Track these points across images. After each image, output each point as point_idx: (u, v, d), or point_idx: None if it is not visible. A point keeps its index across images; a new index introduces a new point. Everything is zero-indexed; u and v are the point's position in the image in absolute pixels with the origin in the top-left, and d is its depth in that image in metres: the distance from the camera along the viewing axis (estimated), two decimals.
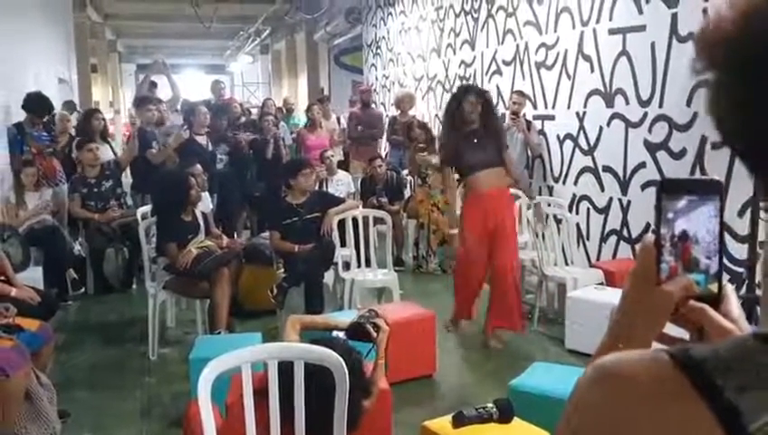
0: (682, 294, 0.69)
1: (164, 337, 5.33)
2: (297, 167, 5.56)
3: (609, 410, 0.59)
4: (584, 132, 6.21)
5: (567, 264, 5.71)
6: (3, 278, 4.44)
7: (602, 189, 5.97)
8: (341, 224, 5.51)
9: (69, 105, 9.92)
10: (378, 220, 5.91)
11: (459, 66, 8.97)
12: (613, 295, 4.48)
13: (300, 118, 11.53)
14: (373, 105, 10.50)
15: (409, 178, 7.98)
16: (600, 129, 5.96)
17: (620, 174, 5.72)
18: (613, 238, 5.85)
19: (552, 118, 6.75)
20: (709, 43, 0.62)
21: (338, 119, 10.68)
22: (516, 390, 3.32)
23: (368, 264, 5.65)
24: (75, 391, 4.38)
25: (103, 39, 19.69)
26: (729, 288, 0.71)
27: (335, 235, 5.42)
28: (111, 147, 7.62)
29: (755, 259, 4.11)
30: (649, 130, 5.34)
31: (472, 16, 8.52)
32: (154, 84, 10.45)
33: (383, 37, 12.00)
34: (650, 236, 0.70)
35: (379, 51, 12.30)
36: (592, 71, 6.04)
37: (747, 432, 0.54)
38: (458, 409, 2.75)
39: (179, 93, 8.69)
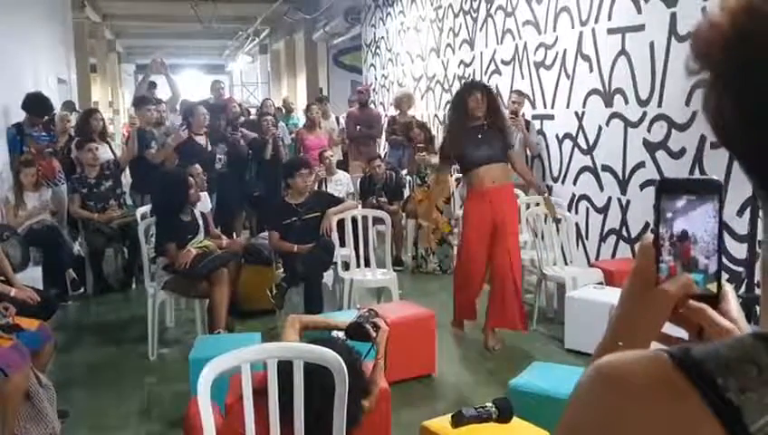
0: (681, 293, 0.69)
1: (163, 337, 5.33)
2: (295, 167, 5.56)
3: (609, 409, 0.59)
4: (583, 132, 6.21)
5: (566, 263, 5.71)
6: (2, 278, 4.44)
7: (601, 189, 5.97)
8: (341, 224, 5.51)
9: (68, 105, 9.91)
10: (377, 220, 5.91)
11: (458, 66, 8.97)
12: (612, 295, 4.49)
13: (299, 118, 11.53)
14: (372, 105, 10.50)
15: (408, 177, 7.98)
16: (600, 128, 5.96)
17: (619, 173, 5.72)
18: (612, 238, 5.85)
19: (551, 117, 6.76)
20: (705, 42, 0.62)
21: (337, 119, 10.68)
22: (515, 389, 3.32)
23: (367, 264, 5.64)
24: (75, 391, 4.38)
25: (102, 39, 19.68)
26: (728, 288, 0.71)
27: (334, 235, 5.42)
28: (111, 147, 7.62)
29: (754, 258, 4.12)
30: (648, 130, 5.35)
31: (471, 16, 8.52)
32: (153, 84, 10.45)
33: (382, 37, 12.00)
34: (649, 236, 0.70)
35: (378, 51, 12.31)
36: (591, 70, 6.04)
37: (748, 432, 0.54)
38: (457, 408, 2.75)
39: (179, 93, 8.69)
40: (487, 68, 8.08)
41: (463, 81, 8.70)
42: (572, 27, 6.32)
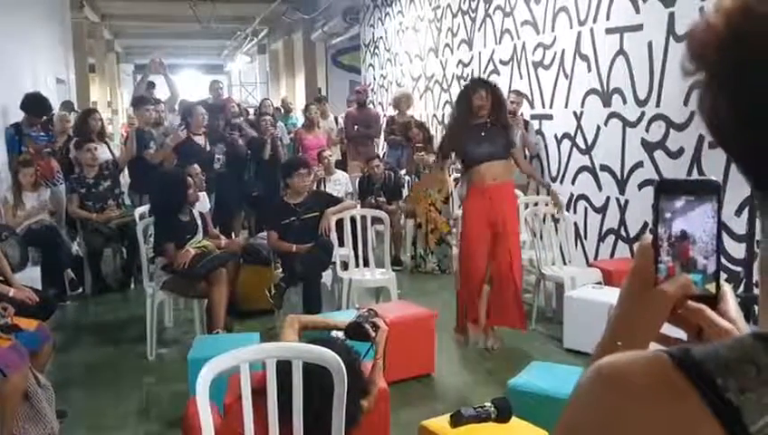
0: (680, 293, 0.69)
1: (162, 337, 5.32)
2: (293, 166, 5.56)
3: (608, 409, 0.59)
4: (582, 132, 6.22)
5: (565, 263, 5.71)
6: (1, 278, 4.44)
7: (600, 189, 5.98)
8: (339, 223, 5.51)
9: (67, 105, 9.90)
10: (376, 220, 5.91)
11: (457, 66, 8.98)
12: (611, 295, 4.49)
13: (298, 118, 11.53)
14: (371, 105, 10.50)
15: (407, 177, 7.98)
16: (598, 128, 5.97)
17: (618, 173, 5.72)
18: (611, 238, 5.86)
19: (549, 117, 6.76)
20: (700, 43, 0.62)
21: (336, 119, 10.68)
22: (514, 389, 3.32)
23: (366, 263, 5.64)
24: (73, 391, 4.38)
25: (101, 39, 19.66)
26: (727, 288, 0.71)
27: (333, 234, 5.42)
28: (109, 147, 7.61)
29: (753, 258, 4.12)
30: (647, 130, 5.35)
31: (469, 16, 8.53)
32: (152, 84, 10.44)
33: (381, 37, 12.00)
34: (648, 237, 0.70)
35: (376, 51, 12.31)
36: (590, 70, 6.05)
37: (748, 433, 0.54)
38: (456, 408, 2.75)
39: (177, 93, 8.69)
40: (486, 68, 8.08)
41: (464, 79, 8.71)
42: (571, 27, 6.32)
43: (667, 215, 0.68)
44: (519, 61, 7.32)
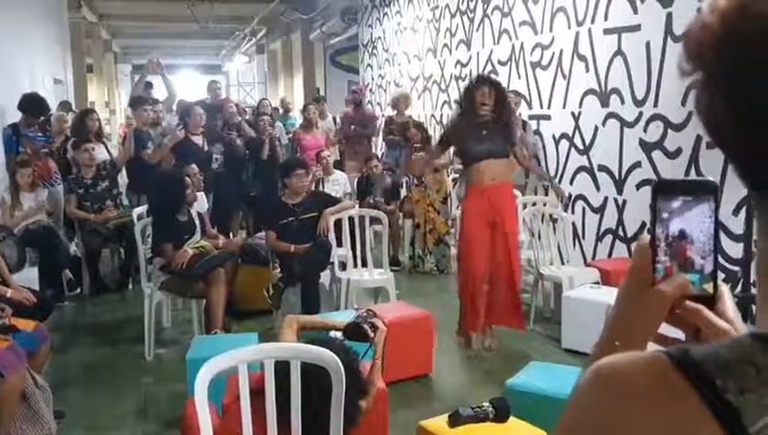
0: (677, 294, 0.69)
1: (160, 337, 5.32)
2: (291, 167, 5.57)
3: (607, 410, 0.59)
4: (579, 132, 6.22)
5: (563, 263, 5.71)
6: None
7: (598, 189, 5.98)
8: (338, 224, 5.51)
9: (64, 105, 9.90)
10: (374, 220, 5.91)
11: (455, 66, 8.98)
12: (609, 294, 4.49)
13: (297, 118, 11.53)
14: (369, 105, 10.50)
15: (405, 178, 7.98)
16: (596, 128, 5.97)
17: (616, 173, 5.73)
18: (609, 237, 5.86)
19: (547, 118, 6.77)
20: (696, 43, 0.62)
21: (334, 119, 10.68)
22: (513, 389, 3.32)
23: (364, 264, 5.64)
24: (71, 392, 4.37)
25: (99, 39, 19.64)
26: (724, 288, 0.71)
27: (331, 235, 5.42)
28: (107, 147, 7.61)
29: (750, 258, 4.13)
30: (644, 130, 5.36)
31: (468, 16, 8.53)
32: (150, 85, 10.43)
33: (379, 37, 12.00)
34: (646, 237, 0.70)
35: (374, 51, 12.31)
36: (588, 70, 6.05)
37: (748, 433, 0.54)
38: (454, 408, 2.75)
39: (175, 93, 8.68)
40: (484, 68, 8.08)
41: (462, 80, 8.71)
42: (569, 27, 6.32)
43: (665, 215, 0.69)
44: (517, 61, 7.32)
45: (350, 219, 5.62)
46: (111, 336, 5.50)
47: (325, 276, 5.42)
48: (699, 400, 0.56)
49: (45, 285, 5.74)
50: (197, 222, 5.31)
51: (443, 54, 9.37)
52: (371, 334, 3.08)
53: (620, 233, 5.71)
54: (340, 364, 2.38)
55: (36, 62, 10.08)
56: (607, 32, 5.77)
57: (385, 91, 11.72)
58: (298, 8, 15.78)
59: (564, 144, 6.46)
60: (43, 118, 7.31)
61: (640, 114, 5.39)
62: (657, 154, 5.24)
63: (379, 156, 8.55)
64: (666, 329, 0.72)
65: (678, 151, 5.00)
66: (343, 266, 5.65)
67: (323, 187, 7.25)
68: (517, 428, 2.83)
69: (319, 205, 5.48)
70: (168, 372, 4.68)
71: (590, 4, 5.99)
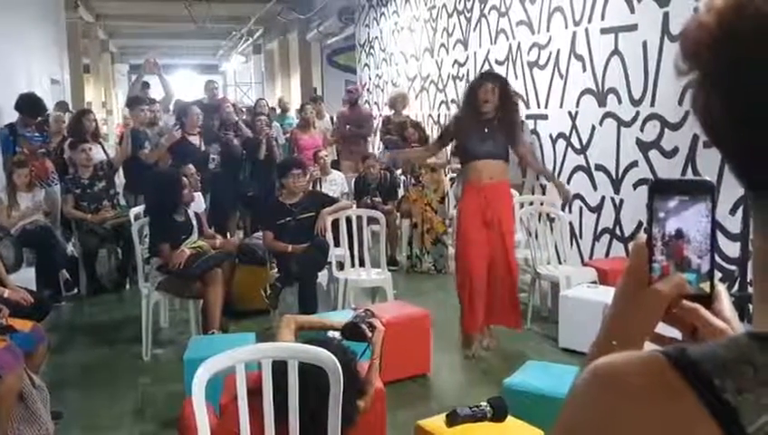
0: (674, 293, 0.69)
1: (157, 338, 5.31)
2: (288, 167, 5.57)
3: (605, 410, 0.59)
4: (577, 131, 6.23)
5: (560, 262, 5.72)
6: None
7: (595, 188, 5.99)
8: (335, 224, 5.51)
9: (61, 106, 9.89)
10: (371, 220, 5.91)
11: (452, 66, 8.98)
12: (606, 294, 4.50)
13: (294, 118, 11.53)
14: (367, 105, 10.50)
15: (403, 177, 7.98)
16: (593, 128, 5.98)
17: (613, 173, 5.74)
18: (606, 237, 5.87)
19: (544, 117, 6.77)
20: (693, 42, 0.62)
21: (331, 118, 10.69)
22: (510, 388, 3.33)
23: (361, 263, 5.64)
24: (68, 392, 4.37)
25: (96, 39, 19.62)
26: (721, 288, 0.72)
27: (329, 235, 5.42)
28: (103, 147, 7.60)
29: (747, 257, 4.13)
30: (641, 129, 5.36)
31: (465, 16, 8.53)
32: (147, 85, 10.42)
33: (376, 37, 12.00)
34: (642, 236, 0.70)
35: (372, 51, 12.31)
36: (585, 70, 6.06)
37: (746, 433, 0.54)
38: (452, 408, 2.75)
39: (172, 93, 8.68)
40: (481, 68, 8.08)
41: (460, 79, 8.72)
42: (566, 27, 6.33)
43: (661, 214, 0.69)
44: (514, 61, 7.33)
45: (348, 219, 5.62)
46: (109, 336, 5.49)
47: (323, 276, 5.42)
48: (697, 399, 0.56)
49: (42, 286, 5.73)
50: (194, 222, 5.30)
51: (440, 54, 9.38)
52: (369, 334, 3.08)
53: (617, 232, 5.71)
54: (338, 364, 2.38)
55: (33, 63, 10.07)
56: (604, 31, 5.77)
57: (382, 90, 11.72)
58: (295, 8, 15.77)
59: (561, 144, 6.47)
60: (40, 118, 7.30)
61: (637, 114, 5.40)
62: (653, 153, 5.24)
63: (377, 155, 8.54)
64: (663, 328, 0.73)
65: (675, 151, 5.00)
66: (341, 266, 5.65)
67: (321, 187, 7.25)
68: (515, 427, 2.84)
69: (316, 205, 5.48)
70: (166, 372, 4.68)
71: (586, 4, 6.00)
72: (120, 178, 7.45)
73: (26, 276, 5.47)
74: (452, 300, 5.22)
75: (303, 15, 15.45)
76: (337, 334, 3.14)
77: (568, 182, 6.32)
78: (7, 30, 8.58)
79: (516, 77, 7.27)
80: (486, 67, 7.95)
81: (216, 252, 5.13)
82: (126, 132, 7.53)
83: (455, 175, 7.43)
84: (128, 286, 6.69)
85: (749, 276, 4.13)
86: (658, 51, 5.13)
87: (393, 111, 9.14)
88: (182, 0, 14.77)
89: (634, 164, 5.47)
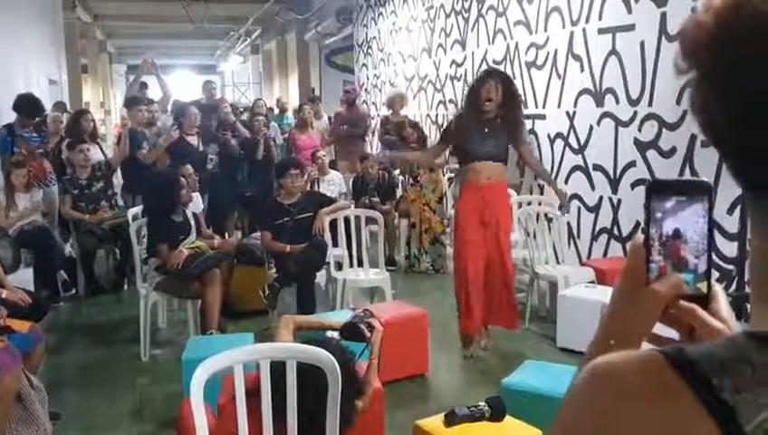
0: (671, 293, 0.69)
1: (155, 338, 5.31)
2: (285, 167, 5.57)
3: (603, 409, 0.59)
4: (574, 131, 6.23)
5: (558, 262, 5.72)
6: None
7: (593, 188, 5.99)
8: (333, 224, 5.51)
9: (59, 106, 9.88)
10: (370, 220, 5.91)
11: (450, 66, 8.98)
12: (604, 293, 4.50)
13: (293, 118, 11.53)
14: (365, 105, 10.50)
15: (401, 177, 7.98)
16: (591, 128, 5.98)
17: (611, 173, 5.74)
18: (604, 237, 5.87)
19: (542, 117, 6.77)
20: (691, 41, 0.62)
21: (329, 119, 10.69)
22: (508, 388, 3.33)
23: (360, 263, 5.64)
24: (66, 393, 4.37)
25: (93, 39, 19.60)
26: (718, 288, 0.72)
27: (327, 235, 5.41)
28: (101, 148, 7.60)
29: (745, 257, 4.14)
30: (639, 129, 5.37)
31: (462, 16, 8.54)
32: (144, 85, 10.42)
33: (374, 37, 12.00)
34: (640, 237, 0.70)
35: (370, 51, 12.31)
36: (582, 70, 6.06)
37: (743, 432, 0.54)
38: (450, 407, 2.75)
39: (170, 93, 8.67)
40: (479, 68, 8.08)
41: (458, 79, 8.72)
42: (563, 27, 6.33)
43: (659, 215, 0.69)
44: (512, 61, 7.33)
45: (346, 219, 5.62)
46: (107, 337, 5.49)
47: (321, 276, 5.42)
48: (695, 398, 0.56)
49: (40, 286, 5.73)
50: (193, 222, 5.30)
51: (438, 54, 9.38)
52: (368, 334, 3.08)
53: (615, 232, 5.72)
54: (336, 364, 2.38)
55: (31, 63, 10.06)
56: (601, 31, 5.78)
57: (380, 90, 11.72)
58: (293, 8, 15.77)
59: (559, 144, 6.47)
60: (37, 118, 7.29)
61: (635, 114, 5.40)
62: (651, 153, 5.25)
63: (376, 156, 8.54)
64: (660, 329, 0.73)
65: (673, 151, 5.01)
66: (339, 266, 5.65)
67: (319, 187, 7.25)
68: (513, 427, 2.84)
69: (314, 205, 5.48)
70: (164, 372, 4.68)
71: (584, 4, 6.00)
72: (117, 179, 7.45)
73: (24, 277, 5.46)
74: (450, 300, 5.22)
75: (301, 16, 15.44)
76: (335, 334, 3.14)
77: (566, 182, 6.33)
78: (5, 30, 8.57)
79: (514, 77, 7.25)
80: (484, 67, 7.95)
81: (214, 252, 5.13)
82: (124, 133, 7.53)
83: (453, 175, 7.44)
84: (126, 287, 6.69)
85: (747, 276, 4.14)
86: (656, 51, 5.14)
87: (391, 112, 9.15)
88: (180, 0, 14.76)
89: (632, 164, 5.47)
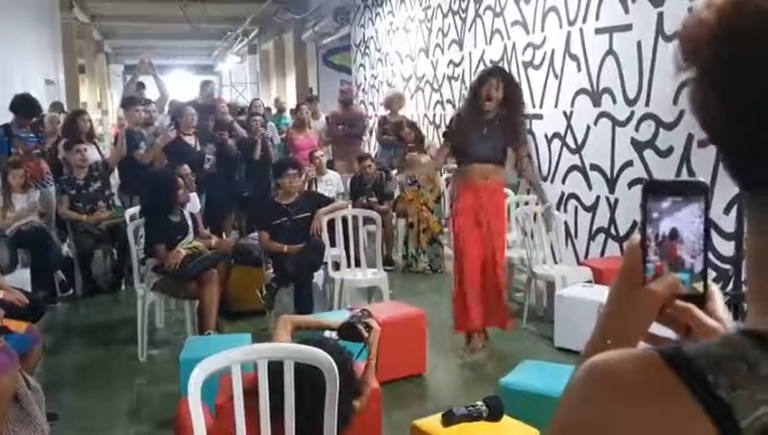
0: (668, 293, 0.70)
1: (153, 338, 5.31)
2: (283, 167, 5.57)
3: (600, 408, 0.60)
4: (572, 131, 6.23)
5: (556, 262, 5.73)
6: None
7: (590, 188, 5.99)
8: (331, 224, 5.51)
9: (56, 106, 9.86)
10: (367, 220, 5.91)
11: (447, 66, 8.99)
12: (601, 293, 4.50)
13: (290, 118, 11.52)
14: (363, 105, 10.50)
15: (399, 177, 7.98)
16: (588, 127, 5.99)
17: (608, 172, 5.74)
18: (601, 236, 5.88)
19: (539, 117, 6.78)
20: (692, 39, 0.62)
21: (327, 119, 10.69)
22: (506, 388, 3.33)
23: (357, 263, 5.64)
24: (64, 393, 4.36)
25: (91, 40, 19.57)
26: (714, 287, 0.72)
27: (324, 235, 5.41)
28: (98, 148, 7.59)
29: (742, 256, 4.15)
30: (636, 129, 5.37)
31: (460, 16, 8.54)
32: (142, 85, 10.41)
33: (371, 37, 12.00)
34: (636, 237, 0.71)
35: (367, 51, 12.31)
36: (579, 70, 6.06)
37: (739, 428, 0.54)
38: (448, 407, 2.75)
39: (167, 94, 8.66)
40: (476, 68, 8.08)
41: (455, 79, 8.72)
42: (560, 27, 6.34)
43: (655, 215, 0.69)
44: (509, 61, 7.33)
45: (344, 219, 5.62)
46: (104, 337, 5.48)
47: (318, 276, 5.42)
48: (691, 396, 0.56)
49: (37, 287, 5.72)
50: (190, 222, 5.30)
51: (435, 54, 9.38)
52: (366, 334, 3.08)
53: (612, 232, 5.72)
54: (334, 364, 2.39)
55: (28, 63, 10.04)
56: (598, 31, 5.78)
57: (378, 90, 11.72)
58: (290, 8, 15.76)
59: (556, 143, 6.47)
60: (35, 119, 7.28)
61: (632, 113, 5.41)
62: (648, 153, 5.25)
63: (374, 156, 8.54)
64: (657, 328, 0.73)
65: (670, 150, 5.01)
66: (337, 266, 5.65)
67: (316, 187, 7.25)
68: (511, 426, 2.84)
69: (312, 205, 5.48)
70: (162, 372, 4.68)
71: (581, 4, 6.00)
72: (115, 179, 7.44)
73: (21, 277, 5.46)
74: (448, 300, 5.23)
75: (299, 16, 15.43)
76: (333, 335, 3.14)
77: (563, 182, 6.34)
78: (2, 31, 8.56)
79: None
80: (482, 67, 7.96)
81: (211, 252, 5.13)
82: (121, 133, 7.51)
83: (450, 175, 7.43)
84: (123, 287, 6.68)
85: (743, 275, 4.15)
86: (653, 51, 5.14)
87: (389, 112, 9.15)
88: (177, 0, 14.75)
89: (629, 164, 5.48)
